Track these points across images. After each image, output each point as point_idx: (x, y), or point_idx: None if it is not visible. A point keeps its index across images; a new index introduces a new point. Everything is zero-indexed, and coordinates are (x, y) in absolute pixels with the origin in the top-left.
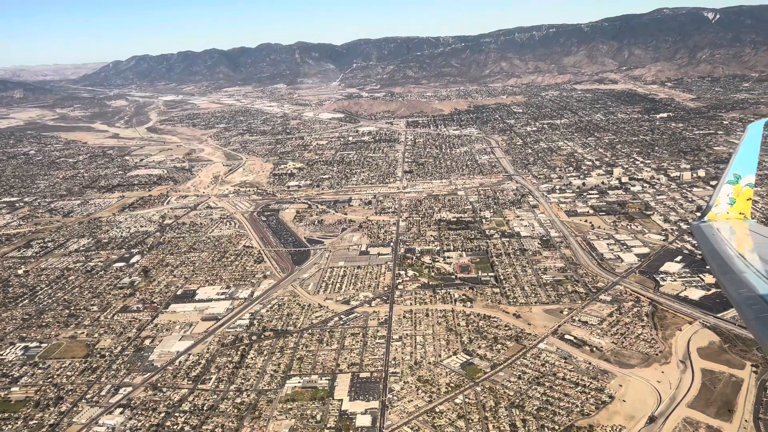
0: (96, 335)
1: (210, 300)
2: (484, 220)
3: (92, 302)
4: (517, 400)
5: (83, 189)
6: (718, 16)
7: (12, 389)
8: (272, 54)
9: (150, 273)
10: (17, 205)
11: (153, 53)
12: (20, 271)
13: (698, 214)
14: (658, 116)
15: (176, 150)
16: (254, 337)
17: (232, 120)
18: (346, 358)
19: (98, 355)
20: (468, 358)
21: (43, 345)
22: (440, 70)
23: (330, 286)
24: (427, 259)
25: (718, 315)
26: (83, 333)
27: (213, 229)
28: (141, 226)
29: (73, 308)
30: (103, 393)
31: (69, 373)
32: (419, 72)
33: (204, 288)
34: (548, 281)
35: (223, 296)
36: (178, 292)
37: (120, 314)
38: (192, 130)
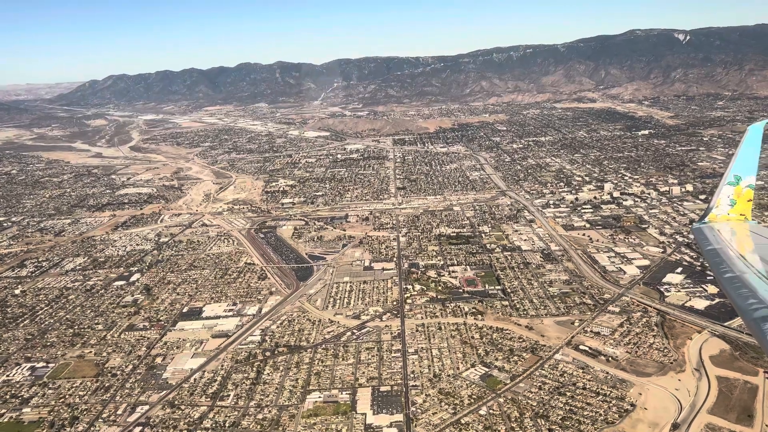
0: (104, 354)
1: (218, 317)
2: (483, 235)
3: (96, 321)
4: (542, 411)
5: (72, 208)
6: (688, 38)
7: (23, 410)
8: (252, 73)
9: (152, 291)
10: (5, 224)
11: (130, 72)
12: (17, 291)
13: (692, 225)
14: (639, 133)
15: (163, 169)
16: (268, 353)
17: (217, 139)
18: (364, 372)
19: (109, 374)
20: (487, 369)
21: (51, 365)
22: (421, 90)
23: (338, 301)
24: (432, 273)
25: (725, 324)
26: (91, 352)
27: (211, 246)
28: (137, 245)
29: (77, 327)
30: (119, 412)
31: (81, 393)
32: (401, 91)
33: (210, 305)
34: (556, 293)
35: (230, 313)
36: (184, 310)
37: (127, 333)
38: (177, 148)
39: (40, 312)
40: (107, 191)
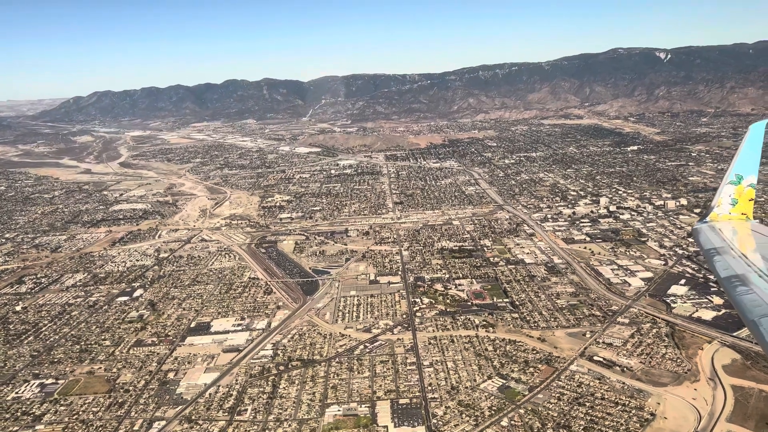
0: (115, 370)
1: (227, 332)
2: (485, 249)
3: (103, 337)
4: (563, 421)
5: (66, 224)
6: (669, 56)
7: (36, 427)
8: (239, 90)
9: (157, 306)
10: None
11: (115, 89)
12: (18, 308)
13: (694, 224)
14: (629, 149)
15: (155, 184)
16: (282, 367)
17: (207, 154)
18: (381, 385)
19: (122, 390)
20: (504, 381)
21: (60, 381)
22: (409, 106)
23: (347, 315)
24: (438, 286)
25: (734, 334)
26: (100, 368)
27: (213, 261)
28: (137, 260)
29: (84, 343)
30: (135, 428)
31: (95, 409)
32: (389, 108)
33: (218, 320)
34: (564, 306)
35: (239, 327)
36: (192, 325)
37: (135, 348)
38: (167, 164)
39: (44, 328)
40: (101, 207)
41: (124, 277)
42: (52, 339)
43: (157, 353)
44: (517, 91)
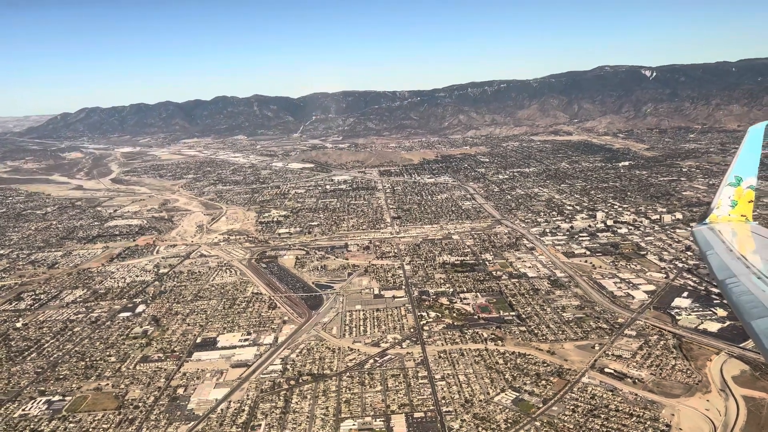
0: (122, 386)
1: (234, 347)
2: (487, 263)
3: (108, 353)
4: None
5: (61, 240)
6: (655, 74)
7: None
8: (229, 106)
9: (161, 322)
10: None
11: (104, 105)
12: (18, 324)
13: (693, 226)
14: (620, 164)
15: (149, 200)
16: (292, 382)
17: (200, 170)
18: (394, 399)
19: (132, 407)
20: (517, 394)
21: (67, 398)
22: (400, 123)
23: (354, 329)
24: (444, 300)
25: (741, 345)
26: (108, 384)
27: (214, 276)
28: (137, 276)
29: (88, 360)
30: None
31: (105, 426)
32: (380, 124)
33: (224, 335)
34: (571, 318)
35: (246, 342)
36: (198, 340)
37: (142, 364)
38: (160, 180)
39: (47, 345)
40: (95, 223)
41: (124, 293)
42: (55, 355)
43: (165, 369)
44: (507, 107)
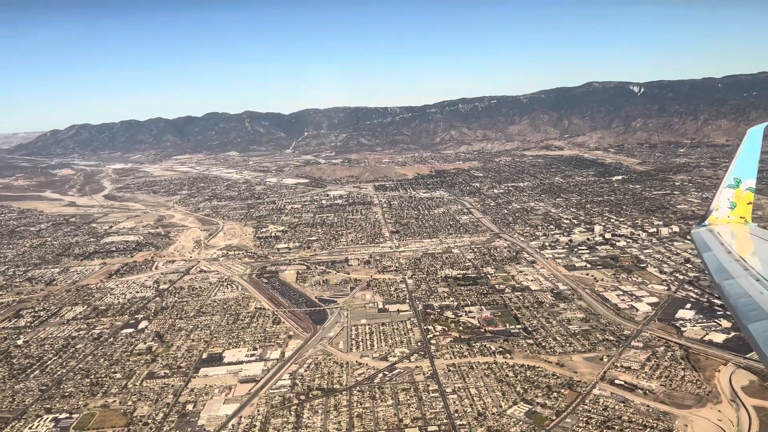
0: (130, 403)
1: (240, 362)
2: (489, 276)
3: (113, 370)
4: None
5: (57, 257)
6: (643, 90)
7: None
8: (220, 122)
9: (164, 338)
10: None
11: (93, 122)
12: (19, 342)
13: (692, 228)
14: (614, 179)
15: (144, 216)
16: (303, 397)
17: (194, 186)
18: (406, 413)
19: (141, 423)
20: (530, 407)
21: (74, 416)
22: (392, 138)
23: (361, 343)
24: (449, 314)
25: (747, 356)
26: (115, 401)
27: (215, 292)
28: (137, 292)
29: (93, 376)
30: None
31: None
32: (372, 140)
33: (230, 350)
34: (577, 331)
35: (253, 358)
36: (204, 356)
37: (148, 380)
38: (154, 197)
39: (50, 362)
40: (91, 240)
41: (125, 309)
42: (59, 373)
43: (172, 385)
44: (498, 123)
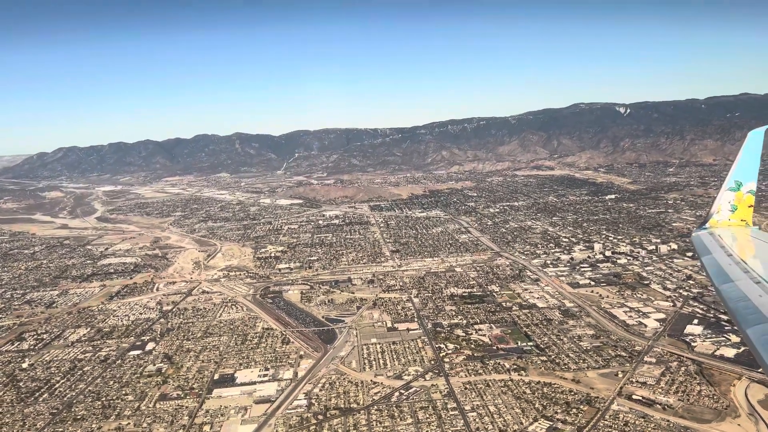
0: (145, 425)
1: (253, 383)
2: (495, 294)
3: (124, 392)
4: None
5: (55, 279)
6: (629, 111)
7: None
8: (210, 144)
9: (173, 359)
10: None
11: (81, 145)
12: (24, 365)
13: (692, 231)
14: (607, 198)
15: (139, 238)
16: (320, 417)
17: (187, 208)
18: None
19: None
20: (551, 423)
21: None
22: (384, 159)
23: (374, 362)
24: (459, 332)
25: (759, 370)
26: (129, 423)
27: (220, 313)
28: (140, 314)
29: (104, 399)
30: None
31: None
32: (364, 161)
33: (242, 371)
34: (589, 347)
35: (266, 378)
36: (216, 377)
37: (161, 402)
38: (147, 218)
39: (58, 385)
40: (88, 262)
41: (131, 331)
42: (69, 396)
43: (186, 406)
44: (488, 144)
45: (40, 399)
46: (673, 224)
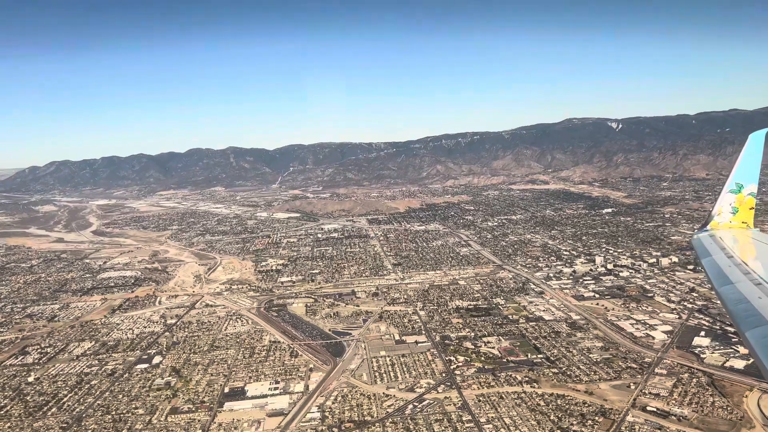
0: None
1: (264, 396)
2: (501, 307)
3: (134, 405)
4: None
5: (55, 293)
6: (621, 126)
7: None
8: (204, 158)
9: (181, 372)
10: None
11: (74, 158)
12: (30, 379)
13: (693, 233)
14: (604, 211)
15: (138, 252)
16: (335, 430)
17: (184, 221)
18: None
19: None
20: None
21: None
22: (379, 173)
23: (385, 375)
24: (468, 344)
25: None
26: None
27: (225, 326)
28: (144, 327)
29: (114, 413)
30: None
31: None
32: (359, 174)
33: (252, 384)
34: (599, 359)
35: (277, 391)
36: (226, 390)
37: (172, 416)
38: (144, 232)
39: (66, 399)
40: (87, 275)
41: (136, 345)
42: (78, 409)
43: (198, 420)
44: (482, 158)
45: (49, 413)
46: (672, 238)
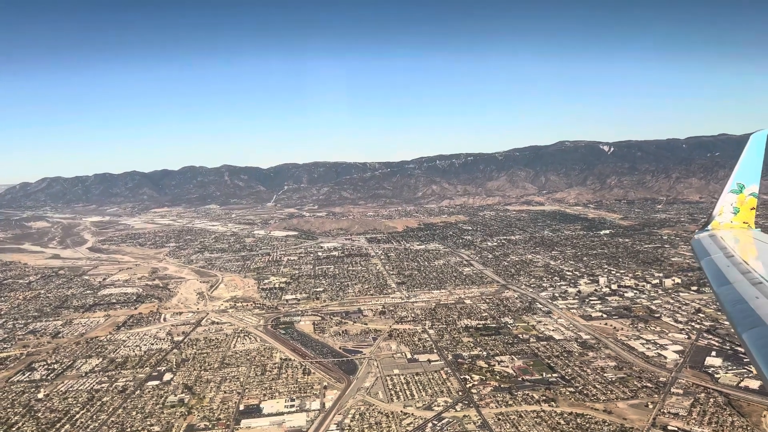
0: None
1: (281, 413)
2: (510, 326)
3: (149, 422)
4: None
5: (56, 309)
6: (612, 149)
7: None
8: (198, 176)
9: (194, 390)
10: None
11: (66, 175)
12: (40, 395)
13: (694, 234)
14: (602, 233)
15: (137, 269)
16: None
17: (181, 239)
18: None
19: None
20: None
21: None
22: (374, 192)
23: (401, 393)
24: (481, 363)
25: None
26: None
27: (234, 343)
28: (152, 344)
29: (129, 430)
30: None
31: None
32: (354, 194)
33: (267, 402)
34: (614, 378)
35: (293, 409)
36: (241, 408)
37: None
38: (141, 249)
39: (78, 416)
40: (88, 292)
41: (145, 362)
42: (92, 427)
43: None
44: (477, 179)
45: (62, 430)
46: (672, 259)
